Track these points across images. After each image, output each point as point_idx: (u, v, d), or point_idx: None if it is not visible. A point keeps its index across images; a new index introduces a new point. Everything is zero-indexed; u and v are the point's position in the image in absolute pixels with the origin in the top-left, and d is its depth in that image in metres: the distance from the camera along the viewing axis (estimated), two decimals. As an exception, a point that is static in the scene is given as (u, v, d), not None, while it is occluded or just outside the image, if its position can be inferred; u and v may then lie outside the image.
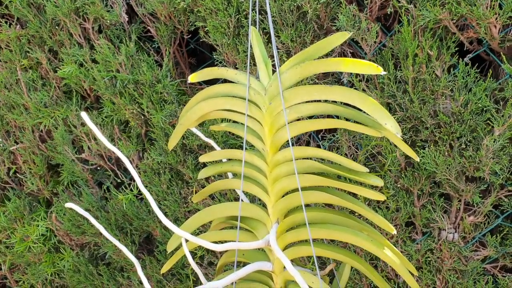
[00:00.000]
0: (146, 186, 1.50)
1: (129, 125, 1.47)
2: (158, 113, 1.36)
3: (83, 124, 1.49)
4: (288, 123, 0.73)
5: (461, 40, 1.10)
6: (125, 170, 1.54)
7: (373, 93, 1.15)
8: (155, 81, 1.36)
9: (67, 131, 1.51)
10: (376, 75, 1.14)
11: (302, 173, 0.73)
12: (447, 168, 1.11)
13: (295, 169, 0.73)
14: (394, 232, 0.71)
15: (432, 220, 1.19)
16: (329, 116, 1.09)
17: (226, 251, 0.85)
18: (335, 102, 0.70)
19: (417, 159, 0.67)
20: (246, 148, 0.78)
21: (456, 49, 1.08)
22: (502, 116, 1.05)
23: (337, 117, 0.95)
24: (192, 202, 1.40)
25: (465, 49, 1.12)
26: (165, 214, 1.48)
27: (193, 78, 0.81)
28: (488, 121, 1.07)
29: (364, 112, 0.67)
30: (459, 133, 1.09)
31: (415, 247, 1.21)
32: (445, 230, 1.18)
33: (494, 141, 1.06)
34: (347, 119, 0.90)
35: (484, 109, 1.07)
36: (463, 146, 1.10)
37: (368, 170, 0.69)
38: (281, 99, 0.72)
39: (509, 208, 1.13)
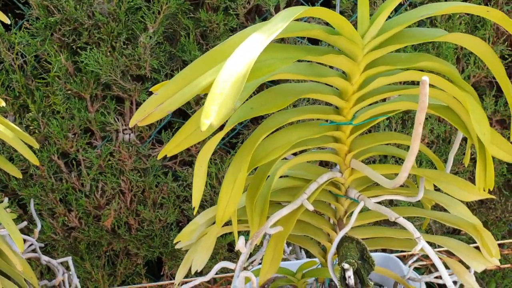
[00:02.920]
0: None
1: None
2: None
3: None
4: None
5: None
6: None
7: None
8: None
9: None
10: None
11: None
12: (112, 68, 1.13)
13: None
14: (3, 104, 0.69)
15: (108, 123, 1.21)
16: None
17: None
18: None
19: None
20: None
21: None
22: (153, 13, 1.11)
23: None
24: None
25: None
26: None
27: None
28: (142, 19, 1.12)
29: None
30: (117, 32, 1.12)
31: (96, 153, 1.23)
32: (121, 131, 1.22)
33: (149, 38, 1.12)
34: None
35: (137, 7, 1.12)
36: (123, 45, 1.13)
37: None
38: None
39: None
